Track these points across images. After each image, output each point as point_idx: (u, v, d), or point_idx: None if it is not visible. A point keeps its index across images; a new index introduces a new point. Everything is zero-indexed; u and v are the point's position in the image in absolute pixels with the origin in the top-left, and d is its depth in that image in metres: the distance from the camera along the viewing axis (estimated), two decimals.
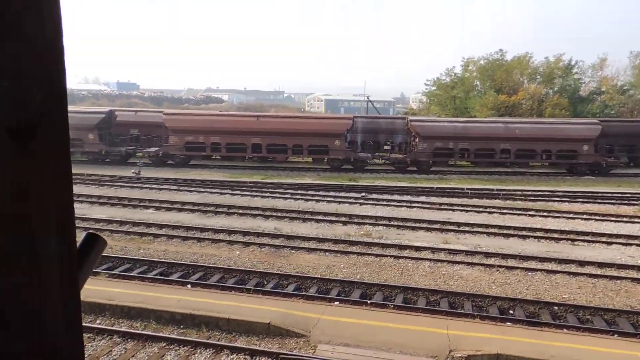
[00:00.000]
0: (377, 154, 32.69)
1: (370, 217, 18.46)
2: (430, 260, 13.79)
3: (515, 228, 17.34)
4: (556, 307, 10.93)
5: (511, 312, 10.85)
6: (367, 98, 56.75)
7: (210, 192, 23.21)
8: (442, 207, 20.81)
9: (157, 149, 31.81)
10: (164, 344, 8.99)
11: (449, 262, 13.71)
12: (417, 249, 14.73)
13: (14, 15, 0.74)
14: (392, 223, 17.71)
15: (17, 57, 0.76)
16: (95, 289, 10.95)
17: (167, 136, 31.78)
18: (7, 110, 0.76)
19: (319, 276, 12.40)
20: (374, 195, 23.08)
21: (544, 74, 48.44)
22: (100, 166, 30.56)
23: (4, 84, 0.75)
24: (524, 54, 49.68)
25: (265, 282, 12.22)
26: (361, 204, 21.29)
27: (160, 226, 16.84)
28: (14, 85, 0.76)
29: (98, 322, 9.94)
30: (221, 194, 23.04)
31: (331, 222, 17.98)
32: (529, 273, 13.01)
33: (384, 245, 14.98)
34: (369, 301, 10.93)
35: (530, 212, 19.82)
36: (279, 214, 18.77)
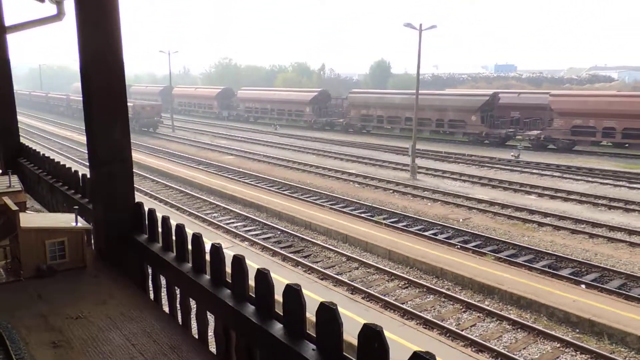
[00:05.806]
0: None
1: None
2: None
3: None
4: None
5: None
6: None
7: (601, 183, 20.54)
8: None
9: (538, 132, 30.28)
10: (558, 345, 8.30)
11: None
12: None
13: None
14: None
15: None
16: (484, 269, 11.10)
17: (550, 119, 29.83)
18: None
19: None
20: None
21: None
22: (480, 147, 31.23)
23: None
24: None
25: None
26: None
27: (545, 214, 15.87)
28: None
29: (487, 303, 10.02)
30: (615, 185, 20.08)
31: None
32: None
33: None
34: None
35: None
36: None
